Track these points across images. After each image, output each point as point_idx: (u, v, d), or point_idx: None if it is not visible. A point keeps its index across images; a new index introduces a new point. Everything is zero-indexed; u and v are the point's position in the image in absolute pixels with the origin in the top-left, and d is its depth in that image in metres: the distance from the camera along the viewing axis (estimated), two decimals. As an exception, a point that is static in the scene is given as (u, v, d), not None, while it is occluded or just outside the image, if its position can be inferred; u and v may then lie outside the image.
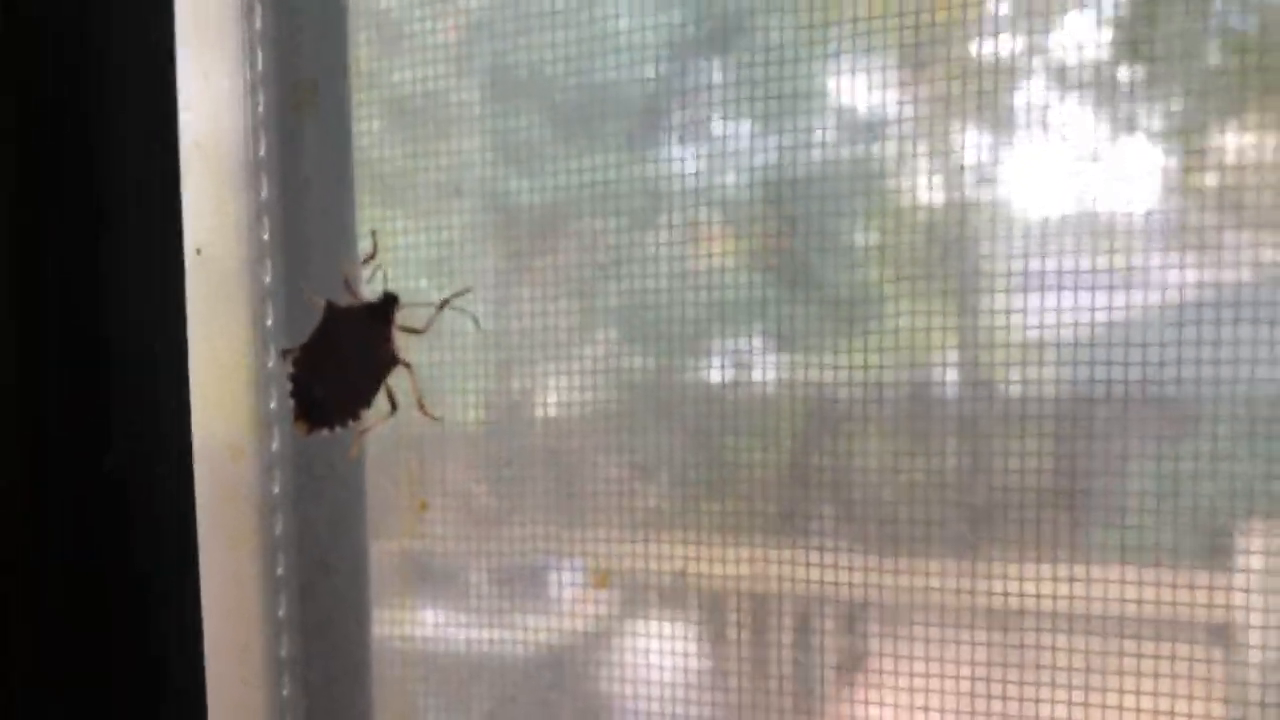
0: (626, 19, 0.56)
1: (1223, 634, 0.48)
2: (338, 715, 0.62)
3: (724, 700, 0.57)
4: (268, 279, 0.59)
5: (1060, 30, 0.50)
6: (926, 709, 0.53)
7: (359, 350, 0.55)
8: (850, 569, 0.54)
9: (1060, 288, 0.50)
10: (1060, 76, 0.49)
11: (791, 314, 0.54)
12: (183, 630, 0.54)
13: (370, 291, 0.55)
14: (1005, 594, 0.51)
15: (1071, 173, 0.49)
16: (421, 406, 0.56)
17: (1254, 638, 0.48)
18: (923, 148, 0.51)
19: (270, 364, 0.59)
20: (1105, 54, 0.49)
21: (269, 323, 0.59)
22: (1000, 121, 0.50)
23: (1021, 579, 0.51)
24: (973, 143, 0.51)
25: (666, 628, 0.58)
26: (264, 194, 0.59)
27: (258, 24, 0.58)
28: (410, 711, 0.64)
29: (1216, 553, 0.48)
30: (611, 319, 0.58)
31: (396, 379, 0.56)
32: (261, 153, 0.59)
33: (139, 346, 0.54)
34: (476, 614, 0.62)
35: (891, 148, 0.52)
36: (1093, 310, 0.49)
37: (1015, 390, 0.51)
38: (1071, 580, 0.50)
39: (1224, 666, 0.48)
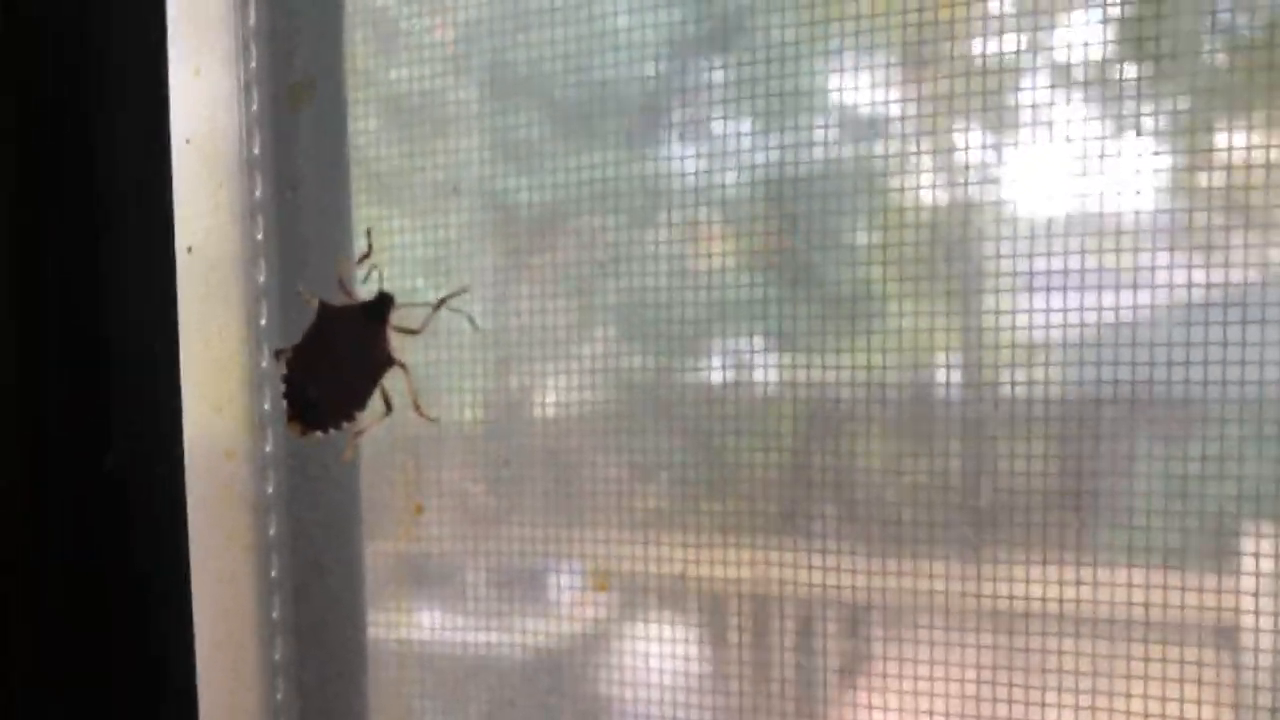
0: (626, 17, 0.55)
1: (1230, 637, 0.48)
2: (332, 718, 0.62)
3: (725, 704, 0.57)
4: (261, 278, 0.59)
5: (1063, 29, 0.49)
6: (931, 713, 0.53)
7: (353, 351, 0.54)
8: (853, 571, 0.54)
9: (1064, 288, 0.50)
10: (1063, 75, 0.49)
11: (792, 314, 0.54)
12: (175, 632, 0.54)
13: (365, 291, 0.55)
14: (1010, 596, 0.51)
15: (1075, 172, 0.49)
16: (417, 408, 0.56)
17: (1262, 641, 0.48)
18: (925, 147, 0.51)
19: (264, 364, 0.59)
20: (1108, 53, 0.49)
21: (263, 322, 0.59)
22: (1003, 120, 0.50)
23: (1028, 581, 0.51)
24: (975, 142, 0.51)
25: (667, 630, 0.58)
26: (258, 192, 0.59)
27: (252, 21, 0.58)
28: (405, 714, 0.64)
29: (1223, 555, 0.48)
30: (611, 318, 0.58)
31: (392, 380, 0.55)
32: (255, 150, 0.59)
33: (130, 346, 0.54)
34: (473, 615, 0.62)
35: (893, 147, 0.52)
36: (1099, 310, 0.49)
37: (1019, 391, 0.51)
38: (1078, 584, 0.50)
39: (1231, 670, 0.48)
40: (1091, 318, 0.49)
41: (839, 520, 0.54)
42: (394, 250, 0.61)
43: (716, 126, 0.55)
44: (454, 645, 0.63)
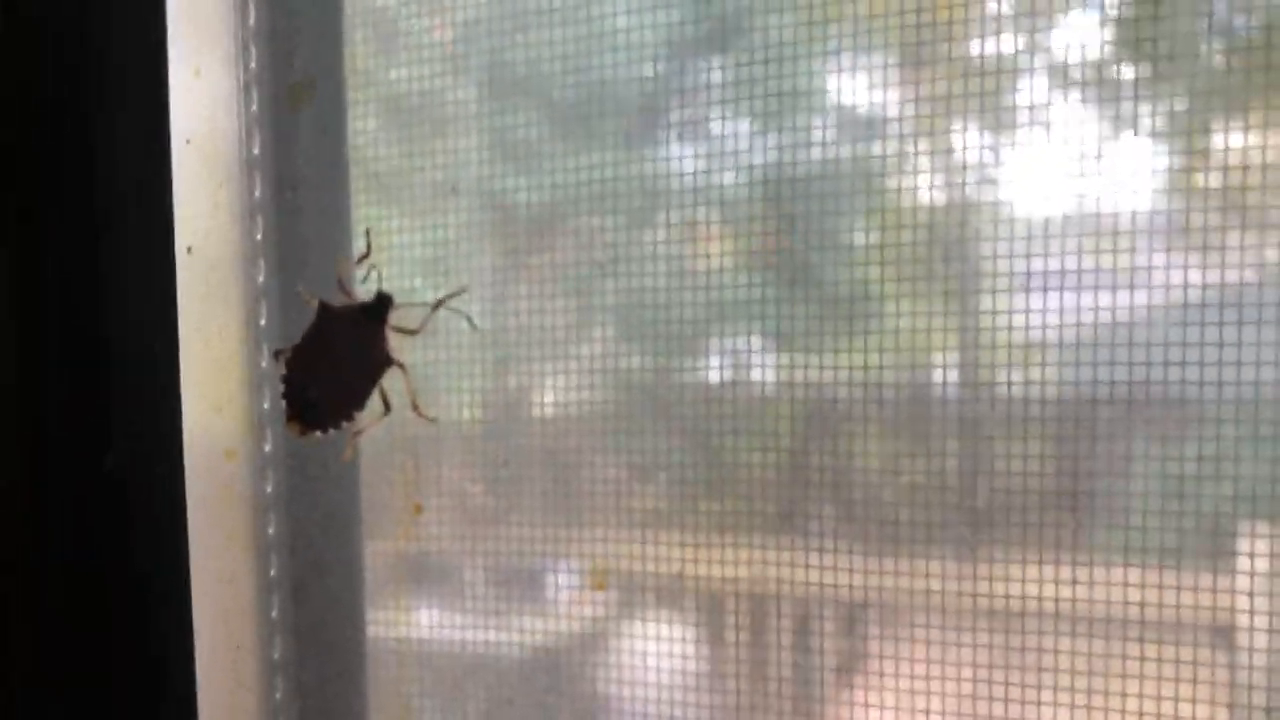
0: (625, 17, 0.55)
1: (1225, 636, 0.48)
2: (331, 718, 0.62)
3: (722, 703, 0.57)
4: (261, 278, 0.59)
5: (1061, 29, 0.49)
6: (928, 711, 0.53)
7: (353, 351, 0.54)
8: (850, 570, 0.54)
9: (1061, 288, 0.50)
10: (1061, 76, 0.49)
11: (791, 313, 0.54)
12: (175, 632, 0.54)
13: (364, 291, 0.55)
14: (1007, 595, 0.51)
15: (1072, 172, 0.49)
16: (416, 408, 0.56)
17: (1258, 640, 0.48)
18: (923, 147, 0.51)
19: (264, 364, 0.59)
20: (1106, 53, 0.49)
21: (262, 322, 0.59)
22: (1001, 121, 0.50)
23: (1024, 580, 0.51)
24: (973, 142, 0.51)
25: (665, 629, 0.58)
26: (257, 192, 0.59)
27: (251, 21, 0.58)
28: (405, 714, 0.64)
29: (1219, 555, 0.48)
30: (609, 318, 0.58)
31: (391, 380, 0.55)
32: (255, 151, 0.59)
33: (130, 346, 0.54)
34: (472, 615, 0.62)
35: (891, 147, 0.52)
36: (1096, 310, 0.49)
37: (1016, 391, 0.51)
38: (1074, 583, 0.50)
39: (1227, 669, 0.48)
40: (1089, 318, 0.49)
41: (837, 520, 0.54)
42: (393, 250, 0.61)
43: (715, 127, 0.55)
44: (453, 644, 0.63)
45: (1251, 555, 0.48)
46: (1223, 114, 0.47)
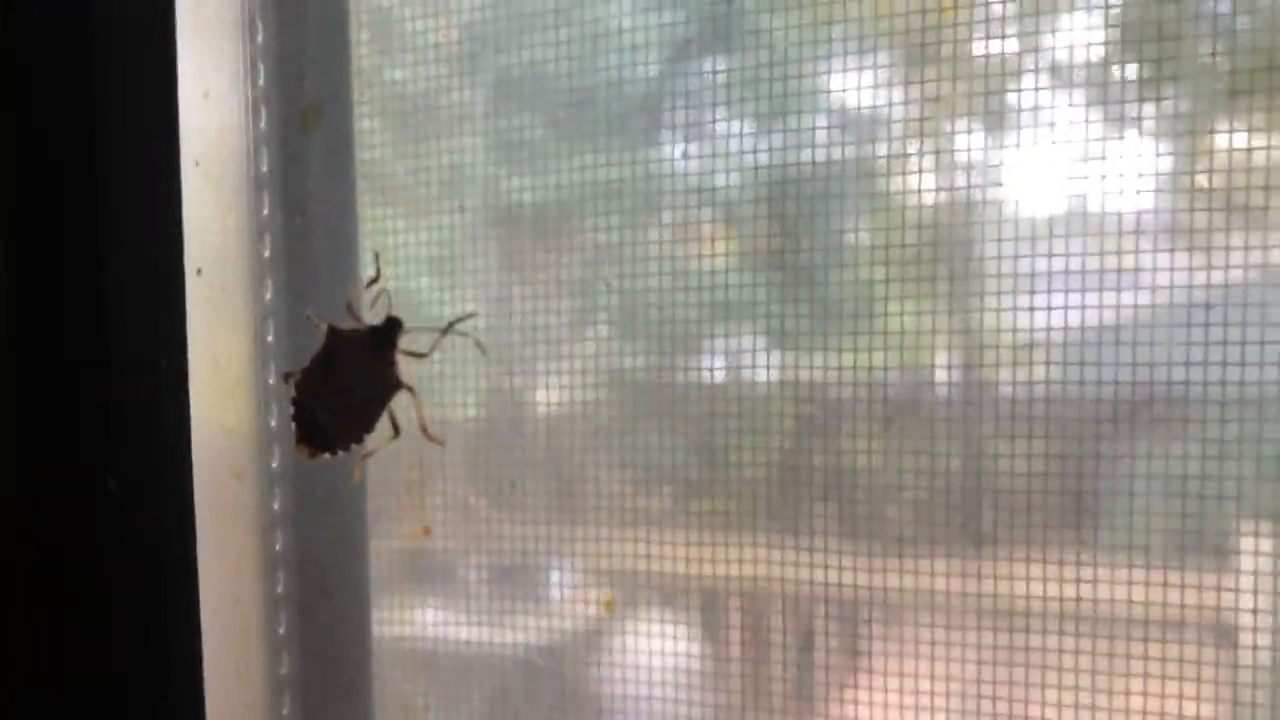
0: (627, 18, 0.55)
1: (1228, 635, 0.48)
2: (338, 735, 0.63)
3: (724, 702, 0.57)
4: (269, 297, 0.59)
5: (1060, 30, 0.49)
6: (931, 709, 0.53)
7: (362, 375, 0.55)
8: (852, 569, 0.54)
9: (1065, 289, 0.50)
10: (1062, 76, 0.49)
11: (791, 313, 0.54)
12: (183, 649, 0.54)
13: (373, 315, 0.55)
14: (1011, 595, 0.51)
15: (1071, 172, 0.49)
16: (425, 430, 0.56)
17: (1260, 639, 0.48)
18: (924, 147, 0.51)
19: (271, 381, 0.59)
20: (1107, 53, 0.49)
21: (270, 340, 0.59)
22: (1000, 121, 0.50)
23: (1026, 579, 0.51)
24: (974, 142, 0.51)
25: (666, 628, 0.58)
26: (265, 212, 0.58)
27: (259, 40, 0.58)
28: (413, 727, 0.64)
29: (1221, 554, 0.48)
30: (610, 318, 0.58)
31: (400, 402, 0.55)
32: (264, 170, 0.58)
33: (140, 365, 0.54)
34: (477, 626, 0.62)
35: (893, 147, 0.52)
36: (1100, 310, 0.49)
37: (1018, 390, 0.51)
38: (1076, 582, 0.50)
39: (1230, 668, 0.48)
40: (1090, 318, 0.49)
41: (837, 519, 0.54)
42: (398, 250, 0.61)
43: (716, 127, 0.54)
44: (460, 658, 0.63)
45: (1255, 554, 0.48)
46: (1224, 114, 0.47)
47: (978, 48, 0.50)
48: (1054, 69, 0.49)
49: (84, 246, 0.54)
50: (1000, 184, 0.50)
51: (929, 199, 0.52)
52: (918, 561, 0.53)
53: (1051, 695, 0.51)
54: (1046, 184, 0.50)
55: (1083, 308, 0.49)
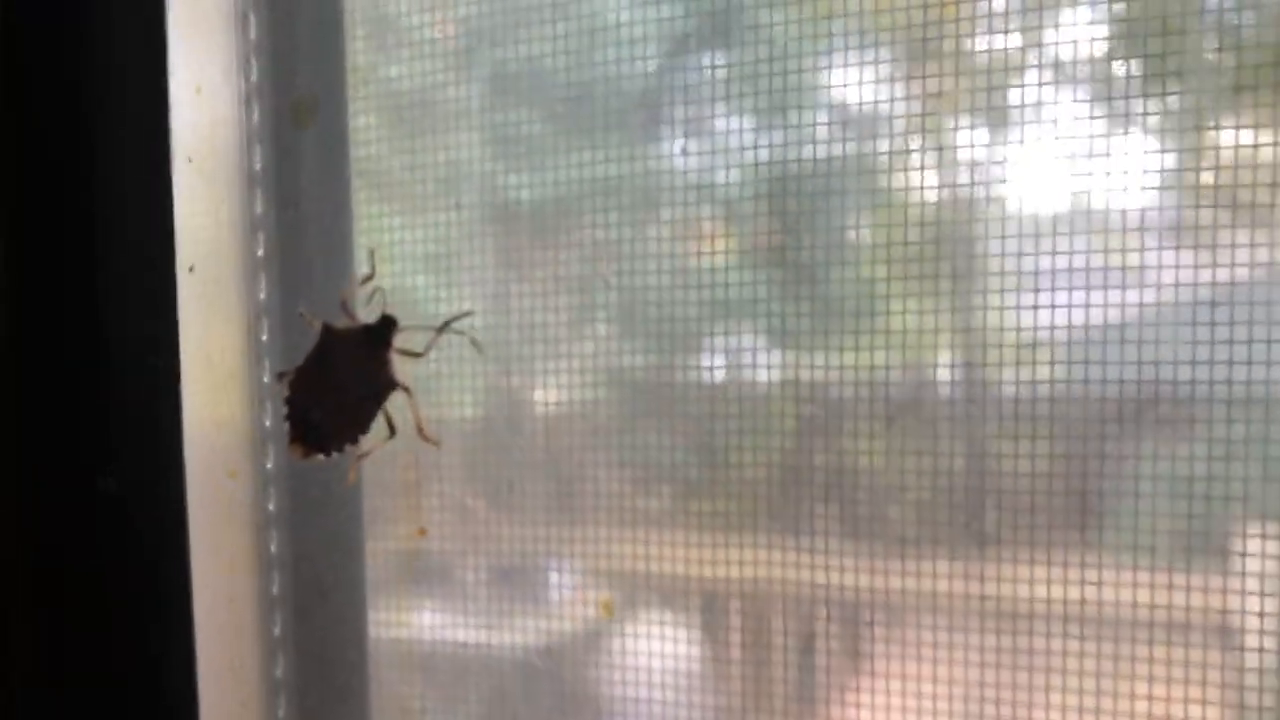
0: (625, 12, 0.55)
1: (1232, 637, 0.48)
2: (334, 736, 0.62)
3: (725, 704, 0.57)
4: (262, 294, 0.59)
5: (1061, 26, 0.49)
6: (934, 712, 0.52)
7: (356, 374, 0.54)
8: (854, 571, 0.53)
9: (1068, 287, 0.49)
10: (1064, 72, 0.49)
11: (792, 311, 0.54)
12: (177, 651, 0.54)
13: (368, 313, 0.55)
14: (1014, 597, 0.51)
15: (1074, 170, 0.49)
16: (421, 431, 0.56)
17: (1264, 642, 0.47)
18: (925, 144, 0.51)
19: (265, 379, 0.59)
20: (1109, 50, 0.48)
21: (264, 338, 0.59)
22: (1001, 117, 0.50)
23: (1030, 581, 0.50)
24: (976, 139, 0.50)
25: (666, 629, 0.58)
26: (259, 208, 0.58)
27: (252, 35, 0.58)
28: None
29: (1225, 555, 0.48)
30: (610, 315, 0.57)
31: (395, 402, 0.55)
32: (257, 166, 0.58)
33: (132, 364, 0.54)
34: (476, 630, 0.62)
35: (894, 144, 0.51)
36: (1105, 308, 0.49)
37: (1020, 390, 0.50)
38: (1081, 583, 0.50)
39: (1234, 670, 0.48)
40: (1092, 316, 0.49)
41: (839, 519, 0.53)
42: (394, 248, 0.61)
43: (716, 123, 0.54)
44: (457, 659, 0.63)
45: (1262, 556, 0.48)
46: (1228, 110, 0.47)
47: (979, 43, 0.50)
48: (1056, 65, 0.49)
49: (75, 244, 0.54)
50: (1003, 181, 0.50)
51: (931, 196, 0.51)
52: (920, 563, 0.52)
53: (1055, 698, 0.51)
54: (1049, 181, 0.49)
55: (1087, 306, 0.49)
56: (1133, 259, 0.48)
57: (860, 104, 0.52)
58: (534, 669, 0.61)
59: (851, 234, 0.53)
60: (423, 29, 0.60)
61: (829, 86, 0.52)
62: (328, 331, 0.54)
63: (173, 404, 0.52)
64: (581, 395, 0.58)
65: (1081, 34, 0.49)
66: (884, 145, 0.52)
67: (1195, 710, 0.48)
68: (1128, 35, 0.48)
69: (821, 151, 0.52)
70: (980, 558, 0.51)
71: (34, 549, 0.55)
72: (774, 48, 0.53)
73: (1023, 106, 0.49)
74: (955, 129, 0.51)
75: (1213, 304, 0.47)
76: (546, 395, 0.59)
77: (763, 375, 0.55)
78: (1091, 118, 0.48)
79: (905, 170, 0.51)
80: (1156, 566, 0.49)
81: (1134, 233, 0.48)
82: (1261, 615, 0.48)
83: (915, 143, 0.51)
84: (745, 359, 0.55)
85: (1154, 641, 0.49)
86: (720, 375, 0.56)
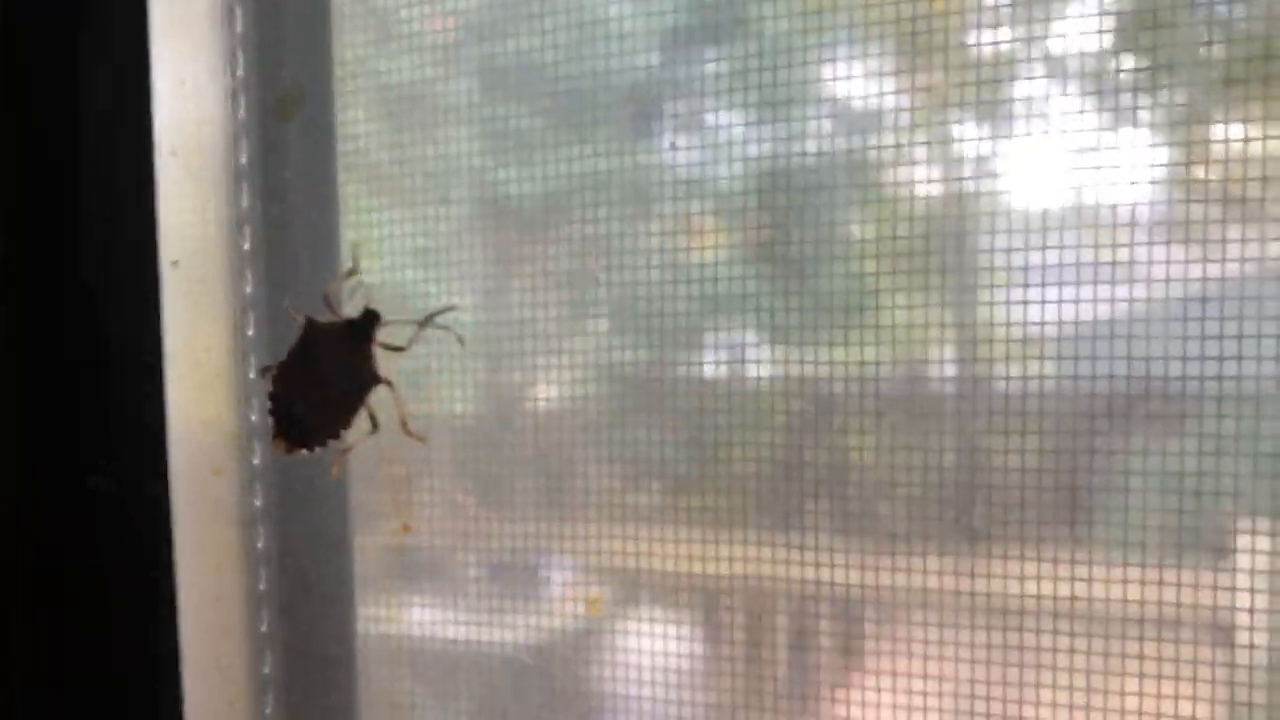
0: (618, 7, 0.55)
1: (1224, 634, 0.48)
2: (322, 734, 0.62)
3: (717, 701, 0.57)
4: (249, 290, 0.58)
5: (1058, 22, 0.49)
6: (924, 709, 0.52)
7: (339, 368, 0.54)
8: (846, 567, 0.53)
9: (1060, 282, 0.49)
10: (1059, 69, 0.49)
11: (786, 307, 0.54)
12: (162, 648, 0.54)
13: (352, 308, 0.54)
14: (1005, 594, 0.51)
15: (1069, 166, 0.49)
16: (405, 426, 0.55)
17: (1256, 638, 0.47)
18: (920, 140, 0.51)
19: (251, 375, 0.59)
20: (1105, 46, 0.48)
21: (250, 334, 0.59)
22: (998, 114, 0.50)
23: (1022, 578, 0.50)
24: (971, 136, 0.50)
25: (659, 626, 0.57)
26: (245, 203, 0.58)
27: (239, 28, 0.57)
28: (398, 725, 0.64)
29: (1218, 551, 0.48)
30: (603, 311, 0.57)
31: (379, 397, 0.55)
32: (243, 161, 0.58)
33: (116, 359, 0.53)
34: (466, 626, 0.62)
35: (889, 140, 0.51)
36: (1094, 304, 0.49)
37: (1014, 386, 0.50)
38: (1073, 580, 0.49)
39: (1225, 667, 0.48)
40: (1087, 312, 0.49)
41: (832, 516, 0.53)
42: (387, 241, 0.60)
43: (710, 119, 0.54)
44: (446, 655, 0.63)
45: (1252, 552, 0.47)
46: (1222, 107, 0.47)
47: (971, 39, 0.50)
48: (1052, 62, 0.49)
49: (58, 239, 0.54)
50: (993, 176, 0.50)
51: (921, 192, 0.51)
52: (910, 559, 0.52)
53: (1046, 695, 0.51)
54: (1044, 177, 0.49)
55: (1077, 301, 0.49)
56: (1122, 254, 0.48)
57: (856, 100, 0.52)
58: (524, 665, 0.61)
59: (847, 230, 0.53)
60: (412, 22, 0.60)
61: (824, 83, 0.52)
62: (311, 326, 0.54)
63: (157, 401, 0.52)
64: (572, 391, 0.58)
65: (1080, 30, 0.48)
66: (874, 141, 0.52)
67: (1185, 706, 0.48)
68: (1124, 32, 0.48)
69: (813, 147, 0.52)
70: (971, 554, 0.51)
71: (15, 548, 0.55)
72: (766, 43, 0.52)
73: (1014, 101, 0.49)
74: (945, 124, 0.50)
75: (1203, 300, 0.47)
76: (537, 391, 0.59)
77: (754, 371, 0.55)
78: (1082, 112, 0.48)
79: (894, 165, 0.51)
80: (1147, 563, 0.48)
81: (1124, 228, 0.48)
82: (1252, 611, 0.47)
83: (906, 138, 0.51)
84: (737, 354, 0.55)
85: (1144, 638, 0.49)
86: (711, 371, 0.56)
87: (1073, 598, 0.50)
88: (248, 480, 0.59)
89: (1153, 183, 0.48)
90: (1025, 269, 0.50)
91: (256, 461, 0.59)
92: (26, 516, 0.55)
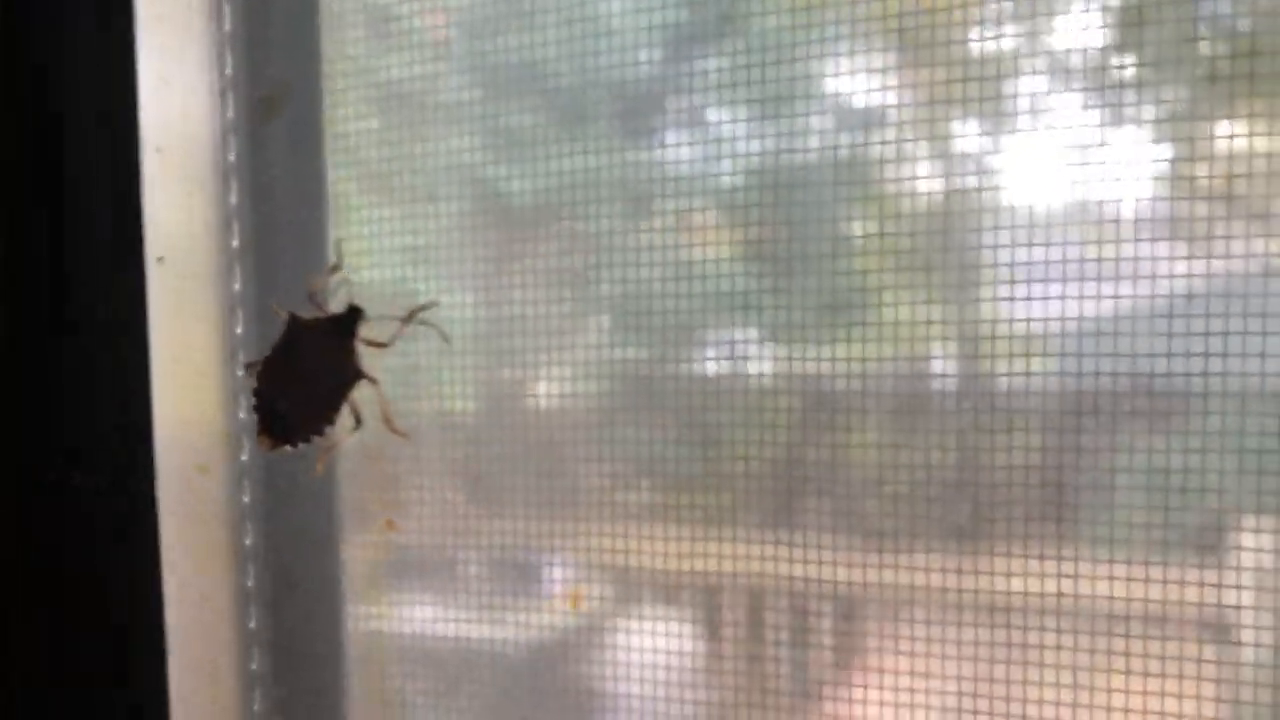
0: (618, 4, 0.55)
1: (1216, 630, 0.48)
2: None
3: (716, 699, 0.57)
4: (237, 287, 0.58)
5: (1057, 21, 0.49)
6: (912, 705, 0.52)
7: (323, 364, 0.54)
8: (846, 565, 0.53)
9: (1059, 279, 0.49)
10: (1059, 68, 0.49)
11: (786, 305, 0.54)
12: (144, 645, 0.53)
13: (336, 304, 0.54)
14: (1006, 591, 0.51)
15: (1066, 164, 0.49)
16: (388, 422, 0.55)
17: (1250, 636, 0.48)
18: (919, 139, 0.51)
19: (240, 372, 0.59)
20: (1104, 46, 0.48)
21: (239, 331, 0.58)
22: (995, 112, 0.50)
23: (1021, 575, 0.50)
24: (970, 134, 0.50)
25: (658, 624, 0.57)
26: (234, 200, 0.58)
27: (227, 26, 0.57)
28: (387, 721, 0.64)
29: (1212, 549, 0.48)
30: (603, 309, 0.57)
31: (363, 393, 0.55)
32: (231, 158, 0.58)
33: (101, 355, 0.53)
34: (456, 623, 0.62)
35: (888, 138, 0.51)
36: (1098, 300, 0.49)
37: (1013, 383, 0.50)
38: (1070, 577, 0.50)
39: (1218, 665, 0.48)
40: (1085, 310, 0.49)
41: (831, 513, 0.53)
42: (386, 239, 0.60)
43: (710, 118, 0.54)
44: (435, 652, 0.62)
45: (1249, 550, 0.48)
46: (1220, 107, 0.47)
47: (975, 40, 0.50)
48: (1051, 62, 0.49)
49: (42, 234, 0.53)
50: (996, 176, 0.50)
51: (925, 191, 0.51)
52: (912, 556, 0.52)
53: (1034, 691, 0.51)
54: (1043, 176, 0.49)
55: (1063, 298, 0.49)
56: (1108, 250, 0.48)
57: (856, 99, 0.52)
58: (514, 662, 0.61)
59: (846, 228, 0.53)
60: (402, 20, 0.60)
61: (824, 82, 0.52)
62: (294, 322, 0.54)
63: (143, 398, 0.52)
64: (565, 388, 0.58)
65: (1078, 30, 0.48)
66: (879, 140, 0.51)
67: (1172, 701, 0.48)
68: (1123, 32, 0.48)
69: (817, 145, 0.52)
70: (973, 552, 0.51)
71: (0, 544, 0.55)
72: (770, 43, 0.52)
73: (1012, 100, 0.49)
74: (949, 122, 0.51)
75: (1189, 297, 0.47)
76: (529, 388, 0.59)
77: (747, 368, 0.55)
78: (1085, 113, 0.48)
79: (900, 164, 0.51)
80: (1134, 560, 0.48)
81: (1110, 224, 0.48)
82: (1238, 609, 0.47)
83: (901, 136, 0.51)
84: (739, 352, 0.55)
85: (1130, 635, 0.49)
86: (705, 368, 0.56)
87: (1059, 594, 0.50)
88: (236, 477, 0.59)
89: (1151, 182, 0.48)
90: (1025, 265, 0.50)
91: (245, 458, 0.59)
92: (8, 513, 0.55)
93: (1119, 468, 0.49)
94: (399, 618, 0.63)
